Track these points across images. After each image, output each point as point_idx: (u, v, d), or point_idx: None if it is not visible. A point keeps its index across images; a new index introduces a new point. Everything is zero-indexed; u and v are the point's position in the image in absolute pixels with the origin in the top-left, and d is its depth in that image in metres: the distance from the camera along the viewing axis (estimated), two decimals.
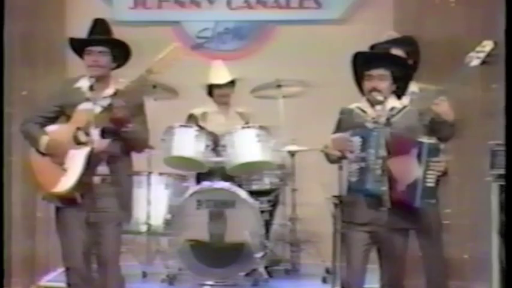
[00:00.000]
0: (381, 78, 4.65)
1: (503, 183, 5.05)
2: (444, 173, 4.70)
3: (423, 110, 5.03)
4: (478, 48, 4.88)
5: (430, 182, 4.47)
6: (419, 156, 4.46)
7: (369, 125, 4.62)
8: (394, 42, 5.36)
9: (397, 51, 5.28)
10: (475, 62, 4.86)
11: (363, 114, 4.69)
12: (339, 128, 4.74)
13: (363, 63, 4.71)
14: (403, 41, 5.40)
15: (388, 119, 4.58)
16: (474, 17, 6.31)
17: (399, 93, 4.76)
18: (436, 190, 4.59)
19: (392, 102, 4.71)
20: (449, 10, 6.55)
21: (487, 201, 5.25)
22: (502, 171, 5.06)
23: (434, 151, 4.48)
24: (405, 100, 5.22)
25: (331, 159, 4.69)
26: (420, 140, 4.50)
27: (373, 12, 7.47)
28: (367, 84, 4.67)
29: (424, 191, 4.46)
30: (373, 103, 4.65)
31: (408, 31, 5.82)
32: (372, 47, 5.37)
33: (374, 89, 4.64)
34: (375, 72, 4.66)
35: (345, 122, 4.71)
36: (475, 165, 5.79)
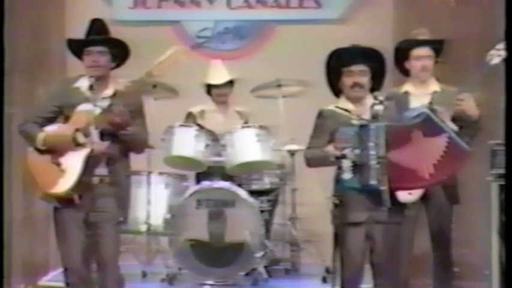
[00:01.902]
0: (361, 74, 4.66)
1: (503, 183, 5.05)
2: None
3: (446, 108, 5.05)
4: (499, 46, 4.87)
5: (454, 128, 4.66)
6: (426, 131, 4.41)
7: (356, 122, 4.60)
8: (422, 42, 5.40)
9: (425, 51, 5.34)
10: (496, 60, 4.86)
11: (346, 114, 4.67)
12: (322, 131, 4.69)
13: (342, 60, 4.70)
14: (432, 42, 5.43)
15: (373, 115, 4.57)
16: (474, 17, 6.30)
17: (375, 90, 4.75)
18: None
19: (371, 98, 4.69)
20: (449, 10, 6.55)
21: (487, 201, 5.24)
22: (502, 171, 5.05)
23: (432, 110, 4.56)
24: (425, 99, 5.26)
25: (317, 162, 4.68)
26: (421, 118, 4.48)
27: (373, 12, 7.48)
28: (347, 80, 4.66)
29: (462, 139, 4.49)
30: (354, 100, 4.65)
31: (408, 31, 5.83)
32: (401, 42, 5.41)
33: (356, 84, 4.64)
34: (356, 68, 4.66)
35: (327, 125, 4.67)
36: (475, 165, 5.79)
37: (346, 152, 4.48)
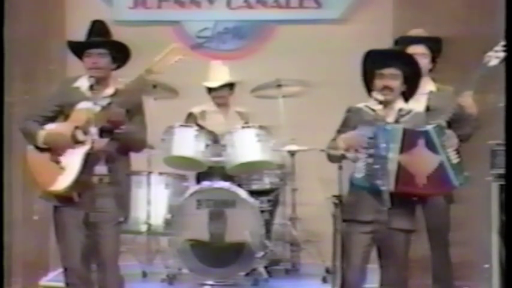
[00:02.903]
0: (392, 77, 4.64)
1: (503, 183, 5.05)
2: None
3: (442, 108, 5.05)
4: (497, 48, 4.86)
5: (455, 159, 4.50)
6: (427, 144, 4.46)
7: (378, 123, 4.60)
8: (419, 39, 5.39)
9: (420, 48, 5.32)
10: (494, 62, 4.85)
11: (371, 113, 4.68)
12: (346, 125, 4.71)
13: (375, 62, 4.68)
14: (428, 40, 5.42)
15: (397, 119, 4.59)
16: (474, 17, 6.31)
17: (407, 95, 4.75)
18: (463, 166, 4.61)
19: (401, 103, 4.70)
20: (448, 10, 6.55)
21: (487, 201, 5.25)
22: (502, 171, 5.06)
23: (440, 131, 4.51)
24: (422, 99, 5.26)
25: (333, 159, 4.68)
26: (423, 129, 4.50)
27: (373, 12, 7.48)
28: (379, 83, 4.65)
29: (455, 169, 4.48)
30: (382, 103, 4.65)
31: (408, 31, 5.82)
32: (397, 41, 5.41)
33: (386, 88, 4.62)
34: (387, 71, 4.64)
35: (353, 120, 4.69)
36: (475, 165, 5.79)
37: (360, 151, 4.50)
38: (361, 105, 4.75)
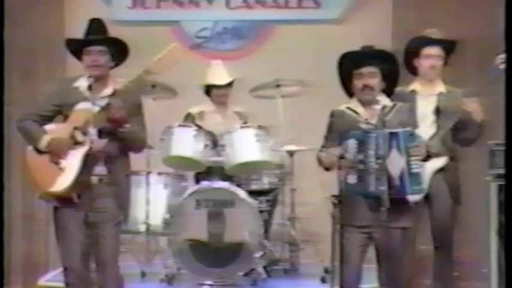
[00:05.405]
0: (371, 76, 4.65)
1: (502, 183, 5.06)
2: (428, 157, 4.74)
3: (450, 110, 5.05)
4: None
5: (415, 169, 4.45)
6: (398, 147, 4.45)
7: (363, 125, 4.61)
8: (435, 41, 5.39)
9: (435, 50, 5.34)
10: (505, 65, 4.84)
11: (354, 115, 4.68)
12: (331, 131, 4.73)
13: (352, 63, 4.70)
14: (444, 42, 5.42)
15: (380, 119, 4.57)
16: (474, 17, 6.32)
17: (388, 91, 4.75)
18: (422, 177, 4.57)
19: (383, 100, 4.70)
20: (448, 10, 6.56)
21: (487, 201, 5.25)
22: (501, 171, 5.07)
23: (409, 138, 4.49)
24: (431, 100, 5.26)
25: (325, 166, 4.70)
26: (395, 131, 4.49)
27: (372, 11, 7.48)
28: (358, 83, 4.66)
29: (412, 178, 4.44)
30: (365, 103, 4.65)
31: (407, 31, 5.83)
32: (412, 40, 5.40)
33: (366, 87, 4.64)
34: (365, 70, 4.65)
35: (337, 125, 4.70)
36: (474, 165, 5.80)
37: (349, 157, 4.50)
38: (342, 107, 4.75)
